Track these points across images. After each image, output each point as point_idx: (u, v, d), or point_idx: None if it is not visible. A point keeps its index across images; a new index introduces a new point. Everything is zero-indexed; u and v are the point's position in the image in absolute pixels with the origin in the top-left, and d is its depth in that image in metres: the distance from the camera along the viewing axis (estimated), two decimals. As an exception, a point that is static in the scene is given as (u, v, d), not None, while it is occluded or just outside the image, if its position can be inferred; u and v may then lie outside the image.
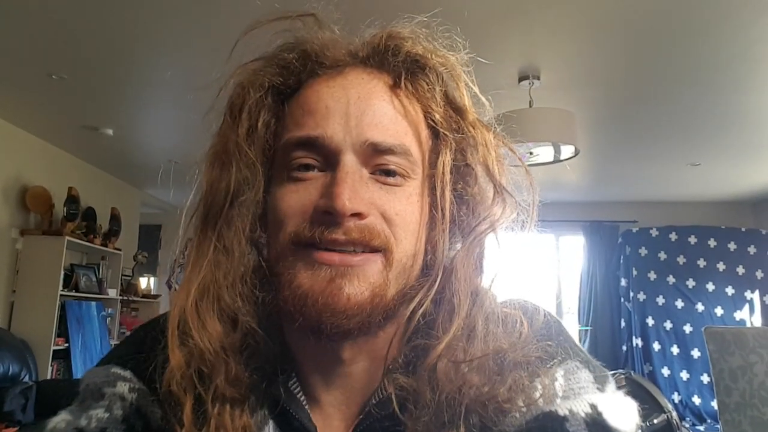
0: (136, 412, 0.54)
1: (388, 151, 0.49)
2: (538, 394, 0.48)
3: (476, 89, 0.55)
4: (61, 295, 4.21)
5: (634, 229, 6.22)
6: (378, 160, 0.49)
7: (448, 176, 0.51)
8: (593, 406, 0.47)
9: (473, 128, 0.53)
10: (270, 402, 0.53)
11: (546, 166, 3.45)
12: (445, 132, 0.52)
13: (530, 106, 3.17)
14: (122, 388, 0.55)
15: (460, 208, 0.53)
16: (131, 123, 4.15)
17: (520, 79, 3.21)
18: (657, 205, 6.33)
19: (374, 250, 0.48)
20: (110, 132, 4.21)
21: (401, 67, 0.52)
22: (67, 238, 4.27)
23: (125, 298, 5.32)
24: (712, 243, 6.00)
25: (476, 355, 0.48)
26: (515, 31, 2.77)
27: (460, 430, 0.47)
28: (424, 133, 0.53)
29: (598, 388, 0.49)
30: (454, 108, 0.53)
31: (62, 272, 4.23)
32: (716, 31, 2.70)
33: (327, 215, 0.47)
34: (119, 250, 5.10)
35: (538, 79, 3.20)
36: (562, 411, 0.47)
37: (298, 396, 0.53)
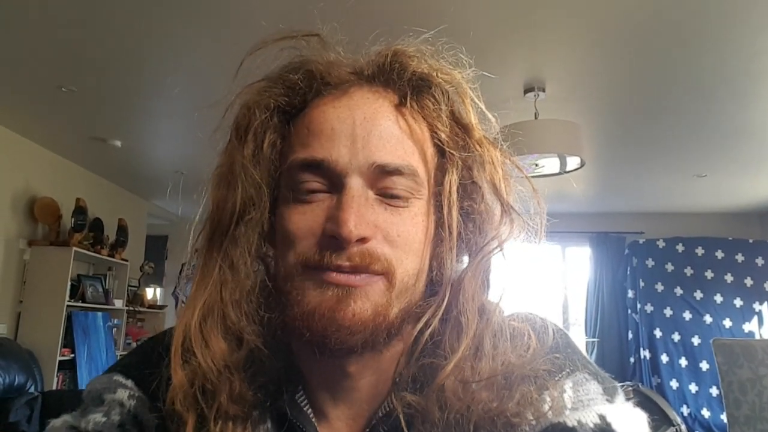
0: (133, 419, 0.54)
1: (395, 172, 0.49)
2: (547, 407, 0.48)
3: (482, 105, 0.55)
4: (67, 306, 4.22)
5: (641, 241, 6.19)
6: (384, 182, 0.50)
7: (455, 195, 0.52)
8: (602, 417, 0.47)
9: (480, 146, 0.53)
10: (275, 417, 0.53)
11: (552, 178, 3.45)
12: (452, 151, 0.52)
13: (536, 118, 3.17)
14: (122, 394, 0.56)
15: (467, 225, 0.53)
16: (139, 135, 4.19)
17: (526, 91, 3.22)
18: (664, 217, 6.31)
19: (375, 273, 0.48)
20: (118, 143, 4.24)
21: (407, 86, 0.52)
22: (75, 248, 4.29)
23: (131, 308, 5.33)
24: (719, 254, 5.96)
25: (484, 373, 0.48)
26: (521, 43, 2.79)
27: None
28: (430, 151, 0.53)
29: (607, 400, 0.49)
30: (461, 126, 0.53)
31: (69, 283, 4.24)
32: (722, 42, 2.70)
33: (333, 239, 0.47)
34: (126, 260, 5.12)
35: (544, 90, 3.21)
36: (571, 422, 0.47)
37: (306, 409, 0.54)
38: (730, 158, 4.40)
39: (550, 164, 3.26)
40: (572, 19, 2.56)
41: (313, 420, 0.53)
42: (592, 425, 0.46)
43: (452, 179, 0.52)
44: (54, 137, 4.23)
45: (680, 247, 6.03)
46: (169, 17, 2.55)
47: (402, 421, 0.49)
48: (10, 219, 4.13)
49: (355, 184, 0.49)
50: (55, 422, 0.56)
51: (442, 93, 0.53)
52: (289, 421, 0.53)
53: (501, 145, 0.55)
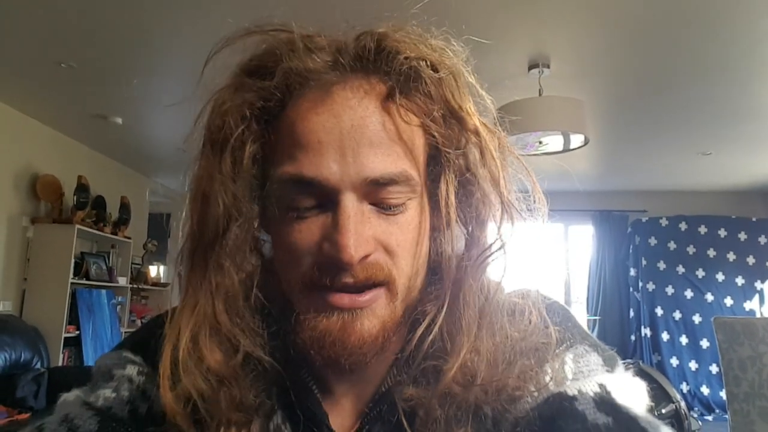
0: (142, 395, 0.55)
1: (390, 182, 0.47)
2: (548, 378, 0.48)
3: (478, 87, 0.52)
4: (71, 283, 4.25)
5: (644, 219, 6.19)
6: (380, 193, 0.48)
7: (452, 198, 0.50)
8: (602, 386, 0.48)
9: (476, 136, 0.50)
10: (278, 391, 0.53)
11: (555, 155, 3.43)
12: (447, 150, 0.50)
13: (540, 95, 3.15)
14: (131, 370, 0.56)
15: (467, 219, 0.52)
16: (140, 112, 4.17)
17: (530, 68, 3.19)
18: (667, 195, 6.29)
19: (378, 284, 0.48)
20: (119, 121, 4.23)
21: (394, 77, 0.49)
22: (77, 226, 4.30)
23: (135, 286, 5.36)
24: (722, 233, 5.95)
25: (485, 354, 0.48)
26: (525, 19, 2.75)
27: (469, 426, 0.48)
28: (421, 146, 0.50)
29: (607, 370, 0.50)
30: (454, 116, 0.50)
31: (72, 260, 4.26)
32: (728, 21, 2.66)
33: (335, 264, 0.46)
34: (129, 238, 5.14)
35: (548, 67, 3.18)
36: (572, 391, 0.47)
37: (310, 385, 0.54)
38: (734, 136, 4.37)
39: (553, 142, 3.24)
40: (578, -6, 2.52)
41: (317, 395, 0.54)
42: (592, 394, 0.47)
43: (448, 179, 0.50)
44: (55, 114, 4.21)
45: (683, 226, 6.02)
46: (169, -8, 2.51)
47: (401, 410, 0.49)
48: (13, 197, 4.14)
49: (350, 202, 0.47)
50: (68, 396, 0.56)
51: (433, 84, 0.49)
52: (293, 395, 0.53)
53: (498, 130, 0.52)
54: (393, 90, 0.49)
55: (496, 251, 0.50)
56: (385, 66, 0.49)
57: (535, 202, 0.52)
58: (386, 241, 0.48)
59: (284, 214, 0.49)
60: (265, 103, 0.50)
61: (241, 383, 0.49)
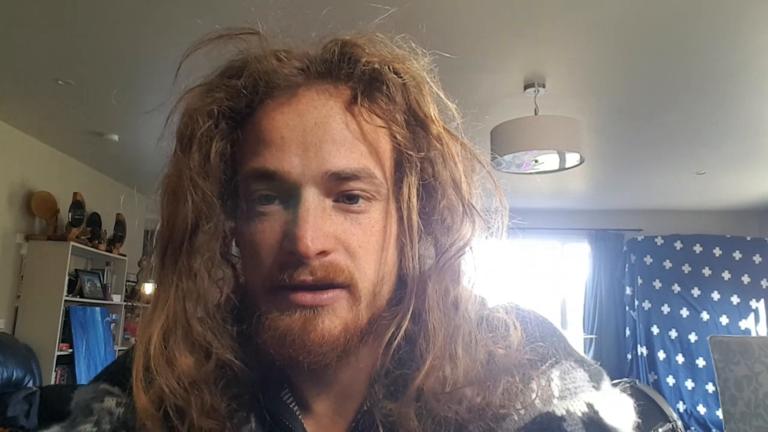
0: (123, 426, 0.54)
1: (352, 177, 0.47)
2: (534, 396, 0.48)
3: (441, 93, 0.52)
4: (65, 301, 4.22)
5: (639, 238, 6.20)
6: (341, 187, 0.48)
7: (414, 200, 0.50)
8: (590, 406, 0.47)
9: (439, 142, 0.50)
10: (258, 417, 0.52)
11: (551, 174, 3.45)
12: (409, 152, 0.50)
13: (535, 114, 3.17)
14: (110, 403, 0.55)
15: (431, 223, 0.51)
16: (137, 129, 4.17)
17: (526, 87, 3.22)
18: (662, 214, 6.32)
19: (339, 286, 0.48)
20: (116, 138, 4.23)
21: (358, 82, 0.50)
22: (72, 243, 4.28)
23: (130, 303, 5.32)
24: (717, 252, 5.97)
25: (463, 368, 0.47)
26: (521, 39, 2.78)
27: None
28: (387, 151, 0.50)
29: (593, 387, 0.49)
30: (418, 121, 0.51)
31: (67, 278, 4.24)
32: (721, 40, 2.70)
33: (292, 256, 0.46)
34: (124, 255, 5.12)
35: (544, 86, 3.21)
36: (560, 411, 0.47)
37: (291, 406, 0.53)
38: (729, 155, 4.41)
39: (549, 160, 3.26)
40: (573, 15, 2.55)
41: (300, 417, 0.53)
42: (580, 414, 0.47)
43: (411, 182, 0.50)
44: (51, 131, 4.22)
45: (678, 245, 6.04)
46: (167, 11, 2.54)
47: (380, 426, 0.48)
48: (7, 213, 4.12)
49: (310, 195, 0.47)
50: None
51: (396, 88, 0.50)
52: (274, 418, 0.52)
53: (461, 136, 0.52)
54: (356, 92, 0.50)
55: (457, 253, 0.50)
56: (348, 70, 0.50)
57: (495, 207, 0.52)
58: (347, 241, 0.48)
59: (248, 213, 0.49)
60: (234, 103, 0.51)
61: (212, 389, 0.49)
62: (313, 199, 0.47)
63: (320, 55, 0.51)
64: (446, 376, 0.47)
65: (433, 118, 0.51)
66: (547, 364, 0.50)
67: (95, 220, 4.76)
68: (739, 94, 3.30)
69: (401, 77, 0.50)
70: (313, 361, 0.47)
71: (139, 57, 3.01)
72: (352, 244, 0.48)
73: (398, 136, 0.50)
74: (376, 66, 0.50)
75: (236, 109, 0.51)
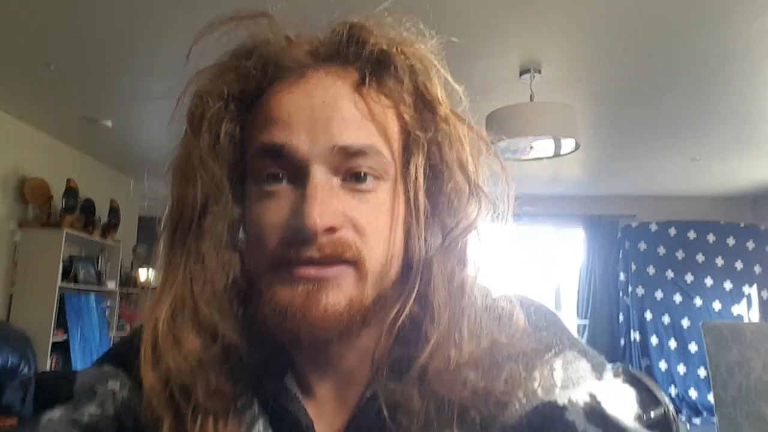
0: (127, 409, 0.54)
1: (360, 152, 0.48)
2: (536, 384, 0.48)
3: (449, 76, 0.52)
4: (59, 288, 4.21)
5: (634, 224, 6.22)
6: (349, 164, 0.48)
7: (420, 180, 0.50)
8: (592, 396, 0.48)
9: (446, 123, 0.51)
10: (260, 400, 0.53)
11: (546, 160, 3.44)
12: (417, 132, 0.50)
13: (531, 100, 3.16)
14: (113, 385, 0.55)
15: (437, 205, 0.51)
16: (130, 115, 4.14)
17: (521, 73, 3.21)
18: (657, 200, 6.34)
19: (346, 262, 0.47)
20: (109, 124, 4.20)
21: (366, 64, 0.50)
22: (66, 230, 4.26)
23: (124, 290, 5.32)
24: (711, 238, 6.00)
25: (468, 353, 0.48)
26: (516, 24, 2.76)
27: (454, 428, 0.47)
28: (395, 132, 0.51)
29: (596, 377, 0.50)
30: (425, 103, 0.51)
31: (61, 264, 4.22)
32: (717, 26, 2.69)
33: (299, 233, 0.46)
34: (118, 242, 5.10)
35: (539, 72, 3.19)
36: (561, 400, 0.47)
37: (294, 391, 0.53)
38: (724, 142, 4.42)
39: (544, 147, 3.26)
40: (569, 1, 2.54)
41: (301, 401, 0.53)
42: (582, 404, 0.47)
43: (418, 162, 0.50)
44: (43, 117, 4.18)
45: (672, 231, 6.07)
46: (160, -5, 2.51)
47: (384, 409, 0.48)
48: (1, 200, 4.10)
49: (318, 172, 0.47)
50: (52, 415, 0.55)
51: (404, 70, 0.50)
52: (275, 402, 0.52)
53: (469, 119, 0.52)
54: (364, 74, 0.50)
55: (463, 232, 0.50)
56: (356, 51, 0.50)
57: (501, 188, 0.52)
58: (356, 218, 0.48)
59: (256, 193, 0.49)
60: (243, 85, 0.51)
61: (217, 370, 0.49)
62: (320, 176, 0.47)
63: (329, 37, 0.52)
64: (450, 356, 0.47)
65: (440, 99, 0.51)
66: (550, 354, 0.50)
67: (89, 206, 4.73)
68: (735, 80, 3.29)
69: (409, 59, 0.51)
70: (314, 337, 0.47)
71: (132, 42, 2.98)
72: (361, 221, 0.48)
73: (406, 117, 0.51)
74: (384, 47, 0.50)
75: (246, 91, 0.51)
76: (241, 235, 0.54)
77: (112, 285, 5.01)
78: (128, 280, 5.44)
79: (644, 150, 4.70)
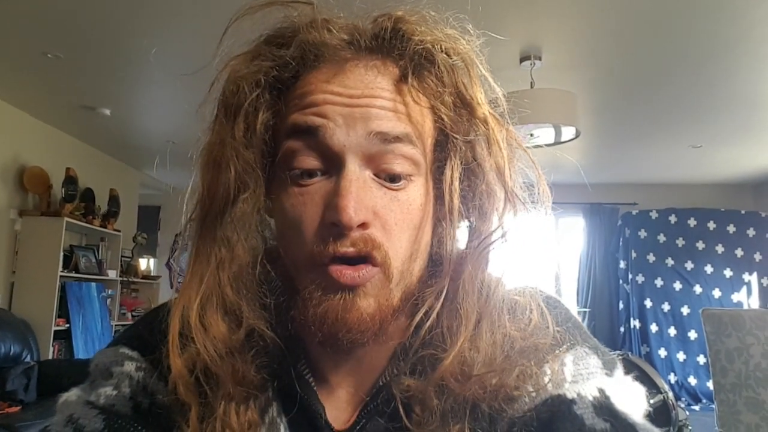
0: (143, 390, 0.54)
1: (395, 140, 0.47)
2: (547, 379, 0.48)
3: (490, 77, 0.52)
4: (60, 276, 4.22)
5: (634, 212, 6.22)
6: (384, 157, 0.47)
7: (456, 183, 0.50)
8: (601, 391, 0.48)
9: (485, 125, 0.50)
10: (275, 385, 0.53)
11: (546, 148, 3.43)
12: (455, 135, 0.50)
13: (531, 87, 3.15)
14: (129, 367, 0.55)
15: (469, 206, 0.51)
16: (129, 103, 4.13)
17: (522, 60, 3.19)
18: (657, 188, 6.33)
19: (373, 263, 0.48)
20: (108, 112, 4.18)
21: (408, 60, 0.49)
22: (66, 219, 4.27)
23: (125, 279, 5.33)
24: (711, 225, 6.00)
25: (484, 352, 0.48)
26: (517, 10, 2.74)
27: (466, 423, 0.48)
28: (430, 129, 0.50)
29: (606, 374, 0.50)
30: (464, 103, 0.50)
31: (62, 253, 4.23)
32: (719, 12, 2.67)
33: (334, 227, 0.46)
34: (118, 231, 5.10)
35: (540, 59, 3.17)
36: (570, 394, 0.48)
37: (307, 377, 0.54)
38: (725, 129, 4.40)
39: (545, 134, 3.25)
40: (570, -14, 2.51)
41: (314, 387, 0.53)
42: (591, 398, 0.47)
43: (454, 165, 0.50)
44: (42, 105, 4.16)
45: (673, 218, 6.07)
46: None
47: (398, 401, 0.49)
48: (0, 189, 4.09)
49: (353, 166, 0.47)
50: (69, 396, 0.55)
51: (446, 69, 0.50)
52: (289, 387, 0.53)
53: (507, 122, 0.52)
54: (406, 71, 0.49)
55: (497, 241, 0.50)
56: (399, 47, 0.49)
57: (539, 194, 0.52)
58: (385, 216, 0.48)
59: (290, 183, 0.49)
60: (280, 72, 0.50)
61: (243, 357, 0.49)
62: (355, 169, 0.47)
63: (370, 29, 0.51)
64: (470, 360, 0.48)
65: (480, 101, 0.50)
66: (561, 349, 0.50)
67: (89, 195, 4.73)
68: (736, 67, 3.27)
69: (452, 58, 0.50)
70: (352, 340, 0.47)
71: (130, 29, 2.96)
72: (389, 220, 0.48)
73: (445, 118, 0.50)
74: (428, 45, 0.49)
75: (280, 78, 0.51)
76: (269, 221, 0.54)
77: (113, 274, 5.02)
78: (129, 269, 5.46)
79: (645, 137, 4.69)
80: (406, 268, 0.49)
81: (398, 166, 0.48)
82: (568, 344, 0.51)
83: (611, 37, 2.99)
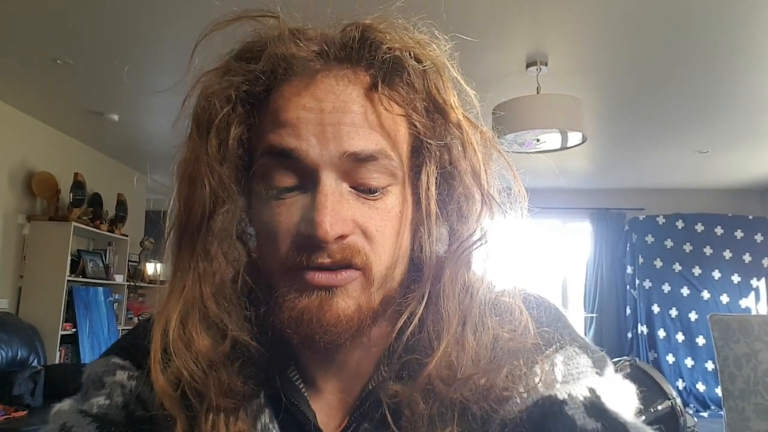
0: (136, 399, 0.55)
1: (369, 158, 0.47)
2: (537, 380, 0.48)
3: (463, 82, 0.52)
4: (68, 281, 4.24)
5: (641, 217, 6.20)
6: (359, 173, 0.48)
7: (432, 188, 0.50)
8: (592, 390, 0.48)
9: (458, 129, 0.50)
10: (265, 392, 0.53)
11: (553, 153, 3.43)
12: (428, 140, 0.50)
13: (538, 93, 3.15)
14: (121, 376, 0.56)
15: (447, 209, 0.51)
16: (137, 109, 4.15)
17: (528, 65, 3.19)
18: (664, 193, 6.30)
19: (355, 268, 0.48)
20: (116, 118, 4.21)
21: (378, 68, 0.49)
22: (74, 223, 4.29)
23: (132, 283, 5.35)
24: (719, 231, 5.97)
25: (471, 353, 0.48)
26: (523, 17, 2.74)
27: (455, 426, 0.48)
28: (404, 136, 0.50)
29: (596, 373, 0.50)
30: (437, 108, 0.50)
31: (69, 258, 4.25)
32: (725, 16, 2.66)
33: (310, 240, 0.46)
34: (126, 236, 5.13)
35: (546, 65, 3.18)
36: (561, 395, 0.48)
37: (297, 383, 0.54)
38: (732, 134, 4.38)
39: (551, 139, 3.24)
40: (576, -8, 2.52)
41: (305, 394, 0.54)
42: (582, 398, 0.47)
43: (429, 170, 0.50)
44: (50, 111, 4.20)
45: (680, 224, 6.04)
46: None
47: (386, 408, 0.49)
48: (8, 194, 4.12)
49: (328, 179, 0.47)
50: (62, 405, 0.56)
51: (416, 75, 0.49)
52: (280, 394, 0.53)
53: (481, 124, 0.52)
54: (376, 79, 0.49)
55: (475, 243, 0.50)
56: (368, 56, 0.49)
57: (513, 196, 0.52)
58: (365, 224, 0.48)
59: (266, 196, 0.49)
60: (251, 87, 0.50)
61: (229, 369, 0.49)
62: (330, 183, 0.47)
63: (339, 38, 0.51)
64: (456, 362, 0.48)
65: (453, 105, 0.50)
66: (551, 349, 0.50)
67: (96, 200, 4.76)
68: (742, 71, 3.26)
69: (422, 64, 0.50)
70: (329, 341, 0.48)
71: (138, 35, 2.98)
72: (371, 228, 0.48)
73: (418, 125, 0.50)
74: (397, 53, 0.49)
75: (252, 92, 0.50)
76: (248, 230, 0.54)
77: (120, 278, 5.04)
78: (136, 274, 5.48)
79: (651, 142, 4.67)
80: (389, 273, 0.50)
81: (374, 181, 0.48)
82: (558, 344, 0.51)
83: (617, 43, 2.98)
